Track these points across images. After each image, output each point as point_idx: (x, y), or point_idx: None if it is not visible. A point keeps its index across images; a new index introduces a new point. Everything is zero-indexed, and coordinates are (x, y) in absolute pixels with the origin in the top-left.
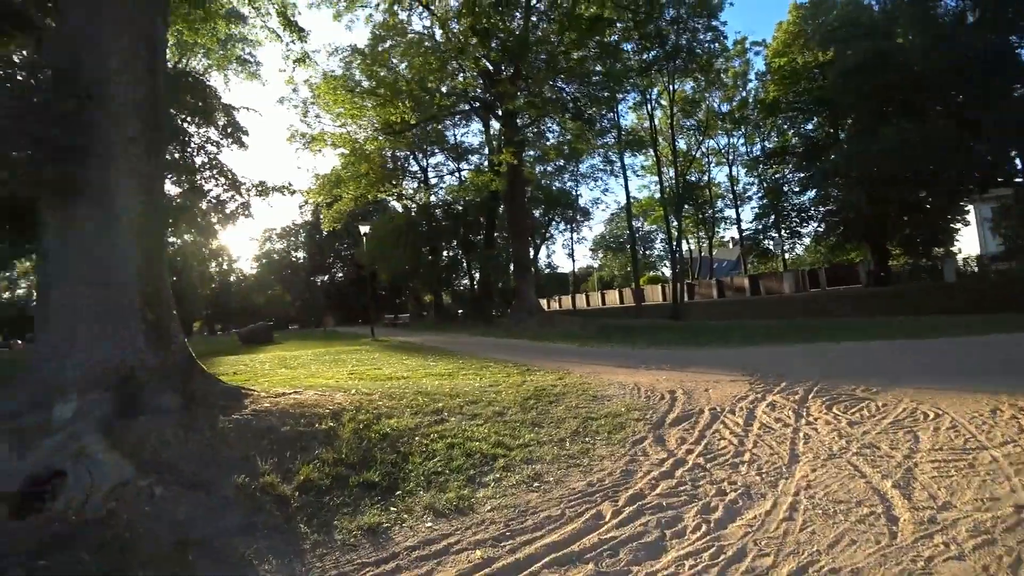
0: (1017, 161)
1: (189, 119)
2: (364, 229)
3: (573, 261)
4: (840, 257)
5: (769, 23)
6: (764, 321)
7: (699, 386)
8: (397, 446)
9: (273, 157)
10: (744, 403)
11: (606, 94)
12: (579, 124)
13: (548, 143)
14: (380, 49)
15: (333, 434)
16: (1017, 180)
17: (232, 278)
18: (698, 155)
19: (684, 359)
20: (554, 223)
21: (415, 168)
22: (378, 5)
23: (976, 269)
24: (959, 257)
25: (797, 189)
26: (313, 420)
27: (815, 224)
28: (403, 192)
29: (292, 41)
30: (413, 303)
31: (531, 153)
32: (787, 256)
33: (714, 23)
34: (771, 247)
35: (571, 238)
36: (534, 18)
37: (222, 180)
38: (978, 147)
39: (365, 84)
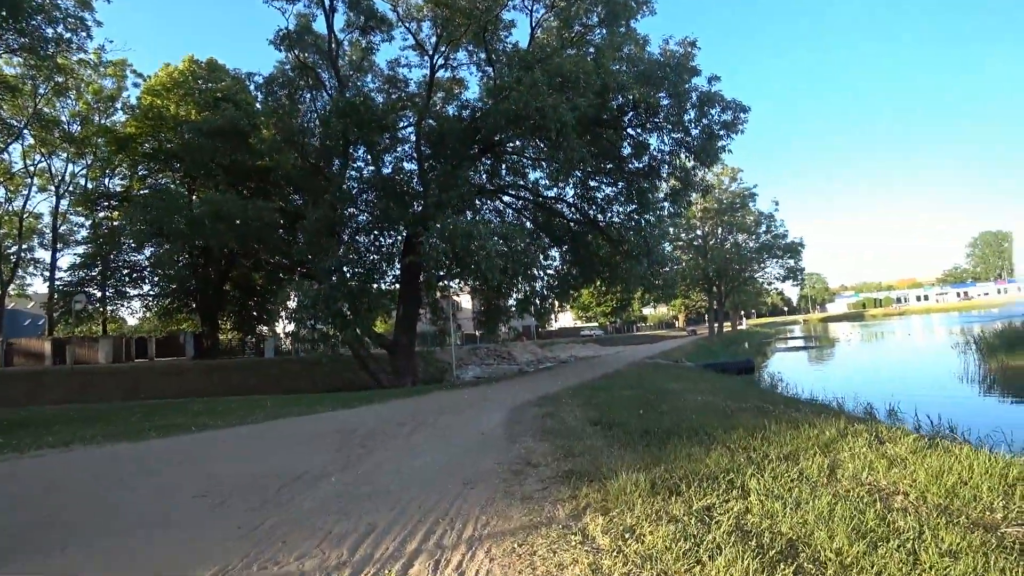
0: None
1: None
2: None
3: None
4: (172, 327)
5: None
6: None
7: None
8: None
9: None
10: None
11: None
12: None
13: None
14: None
15: None
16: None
17: None
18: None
19: None
20: None
21: None
22: None
23: (289, 348)
24: (281, 336)
25: (135, 244)
26: None
27: (148, 287)
28: None
29: None
30: None
31: None
32: (113, 319)
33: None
34: (86, 306)
35: None
36: None
37: None
38: (300, 241)
39: None
